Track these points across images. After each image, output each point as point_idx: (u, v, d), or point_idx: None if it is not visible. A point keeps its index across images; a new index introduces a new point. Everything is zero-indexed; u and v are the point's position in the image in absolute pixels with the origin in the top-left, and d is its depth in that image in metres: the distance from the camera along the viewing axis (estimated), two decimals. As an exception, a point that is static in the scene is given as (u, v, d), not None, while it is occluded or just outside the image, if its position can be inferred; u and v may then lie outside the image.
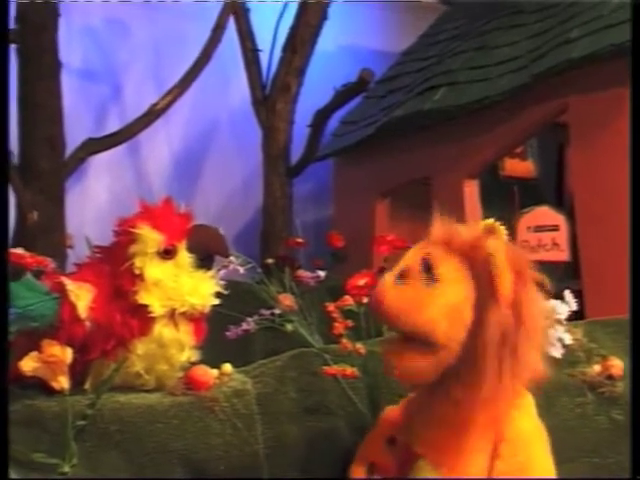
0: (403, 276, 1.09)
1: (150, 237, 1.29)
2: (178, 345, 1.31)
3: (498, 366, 1.03)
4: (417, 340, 1.06)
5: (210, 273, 1.35)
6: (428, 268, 1.08)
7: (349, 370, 1.39)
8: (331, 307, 1.44)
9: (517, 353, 1.04)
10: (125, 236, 1.30)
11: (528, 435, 1.12)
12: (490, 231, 1.09)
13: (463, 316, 1.06)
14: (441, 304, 1.05)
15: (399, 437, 1.21)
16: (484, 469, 1.09)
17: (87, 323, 1.26)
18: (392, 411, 1.29)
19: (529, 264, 1.08)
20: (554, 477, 1.11)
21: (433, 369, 1.08)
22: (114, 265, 1.30)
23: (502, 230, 1.10)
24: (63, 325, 1.25)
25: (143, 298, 1.28)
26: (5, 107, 1.42)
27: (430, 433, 1.14)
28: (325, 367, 1.41)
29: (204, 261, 1.33)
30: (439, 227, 1.13)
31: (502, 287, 1.03)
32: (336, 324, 1.42)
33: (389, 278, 1.10)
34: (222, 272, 1.81)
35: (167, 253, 1.30)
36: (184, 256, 1.31)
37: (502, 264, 1.04)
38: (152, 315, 1.28)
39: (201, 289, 1.32)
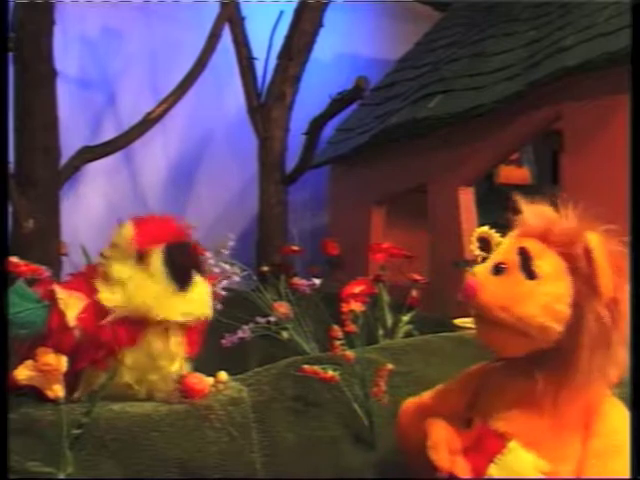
0: (500, 269, 1.09)
1: (125, 237, 1.26)
2: (168, 356, 1.30)
3: (592, 361, 1.04)
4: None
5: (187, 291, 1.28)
6: (526, 262, 1.08)
7: (329, 374, 1.39)
8: (345, 309, 1.46)
9: (610, 350, 1.05)
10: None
11: (621, 422, 1.11)
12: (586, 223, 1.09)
13: (561, 311, 1.06)
14: (540, 299, 1.05)
15: (476, 417, 1.15)
16: (577, 452, 1.08)
17: (76, 332, 1.25)
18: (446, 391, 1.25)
19: (626, 259, 1.07)
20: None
21: (524, 348, 1.09)
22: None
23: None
24: (51, 333, 1.24)
25: (102, 292, 1.25)
26: (5, 116, 1.42)
27: (517, 414, 1.11)
28: (304, 366, 1.41)
29: (179, 277, 1.27)
30: (533, 217, 1.13)
31: (604, 285, 1.02)
32: (335, 327, 1.43)
33: (483, 270, 1.11)
34: (224, 282, 1.83)
35: (140, 257, 1.26)
36: (157, 264, 1.25)
37: (603, 260, 1.03)
38: (138, 324, 1.26)
39: (168, 301, 1.26)
